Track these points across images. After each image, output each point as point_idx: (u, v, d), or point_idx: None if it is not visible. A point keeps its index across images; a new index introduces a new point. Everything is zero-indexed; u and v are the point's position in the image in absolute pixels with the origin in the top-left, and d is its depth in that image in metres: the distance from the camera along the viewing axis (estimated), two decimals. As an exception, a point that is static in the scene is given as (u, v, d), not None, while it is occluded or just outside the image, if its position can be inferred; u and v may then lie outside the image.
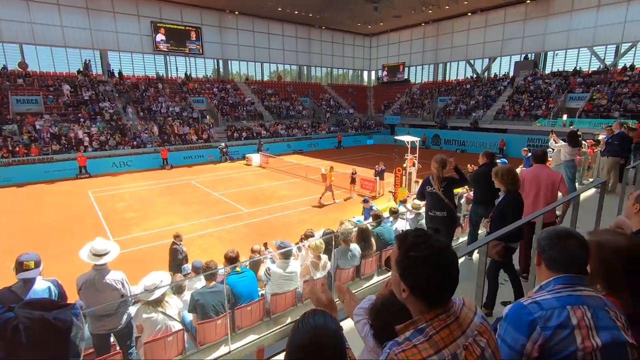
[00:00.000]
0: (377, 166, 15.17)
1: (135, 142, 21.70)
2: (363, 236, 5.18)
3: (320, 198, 13.72)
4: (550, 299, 1.27)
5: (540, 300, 1.28)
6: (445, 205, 4.37)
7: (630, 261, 1.43)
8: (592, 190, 7.03)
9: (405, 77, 40.35)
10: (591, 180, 8.84)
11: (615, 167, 7.30)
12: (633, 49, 25.43)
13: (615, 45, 26.05)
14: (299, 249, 4.97)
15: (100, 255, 3.30)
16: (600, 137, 10.80)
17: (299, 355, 1.00)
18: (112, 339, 3.58)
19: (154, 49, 28.63)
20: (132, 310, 3.63)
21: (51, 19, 24.39)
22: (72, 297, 4.00)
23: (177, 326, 3.51)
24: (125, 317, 3.48)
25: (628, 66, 24.66)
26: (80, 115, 21.88)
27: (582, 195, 6.45)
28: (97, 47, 26.58)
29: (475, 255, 4.80)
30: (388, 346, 1.03)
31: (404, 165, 14.25)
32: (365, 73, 45.69)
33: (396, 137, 17.37)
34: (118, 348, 3.52)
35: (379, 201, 13.68)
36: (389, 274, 1.19)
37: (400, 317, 1.12)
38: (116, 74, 26.75)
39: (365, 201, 9.95)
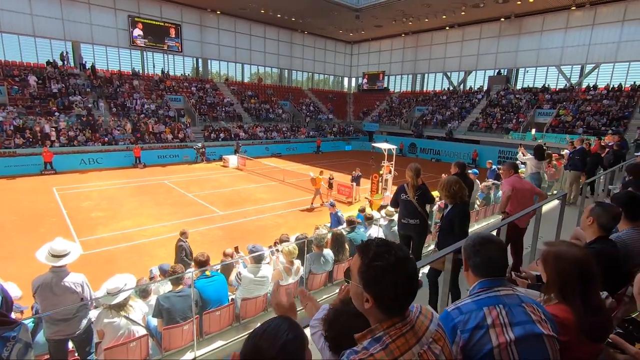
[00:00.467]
0: (354, 172, 15.32)
1: (106, 139, 20.89)
2: (338, 241, 5.20)
3: (312, 202, 13.92)
4: (470, 302, 1.35)
5: (461, 305, 1.36)
6: (418, 213, 4.42)
7: (584, 272, 1.50)
8: (555, 202, 7.39)
9: (385, 85, 41.11)
10: (555, 192, 9.30)
11: (577, 180, 7.71)
12: (596, 70, 27.09)
13: (580, 66, 27.66)
14: (272, 253, 4.93)
15: (58, 257, 3.13)
16: (564, 152, 11.40)
17: None
18: (70, 345, 3.40)
19: (131, 44, 27.76)
20: (93, 314, 3.46)
21: (20, 6, 23.14)
22: (28, 300, 3.79)
23: (141, 331, 3.38)
24: (84, 322, 3.32)
25: (591, 86, 26.23)
26: (48, 108, 20.87)
27: (545, 207, 6.76)
28: (69, 38, 25.47)
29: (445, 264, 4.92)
30: (346, 355, 1.04)
31: (381, 172, 14.45)
32: (346, 79, 46.21)
33: (374, 144, 17.62)
34: (76, 355, 3.35)
35: (355, 207, 13.79)
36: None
37: (352, 325, 1.13)
38: (89, 67, 25.71)
39: (331, 205, 9.61)
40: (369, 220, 6.57)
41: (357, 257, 1.11)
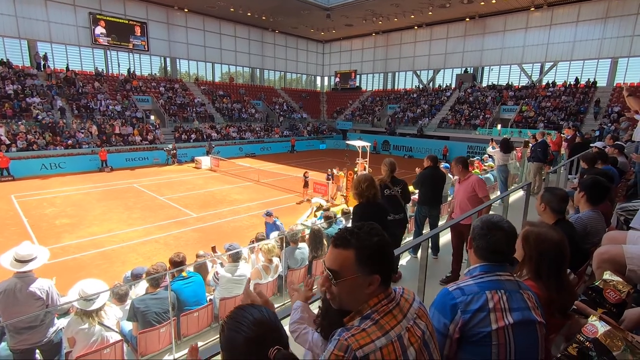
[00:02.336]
0: (329, 170, 15.42)
1: (69, 142, 19.85)
2: (316, 237, 5.21)
3: (333, 198, 14.64)
4: (472, 284, 1.39)
5: (463, 286, 1.40)
6: (402, 208, 4.48)
7: (560, 254, 1.62)
8: (521, 192, 7.78)
9: (357, 84, 41.58)
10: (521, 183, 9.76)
11: (539, 171, 8.16)
12: (554, 68, 28.69)
13: (540, 64, 29.20)
14: (252, 250, 4.87)
15: (23, 262, 2.95)
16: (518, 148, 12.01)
17: (243, 350, 0.96)
18: (37, 356, 3.22)
19: (93, 43, 26.48)
20: (63, 322, 3.30)
21: (-33, 2, 21.60)
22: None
23: (115, 337, 3.25)
24: (51, 329, 3.15)
25: (550, 83, 27.76)
26: (2, 111, 19.55)
27: (512, 197, 7.08)
28: (24, 36, 23.98)
29: (420, 253, 5.06)
30: (337, 333, 1.05)
31: (356, 169, 14.64)
32: (319, 79, 46.32)
33: (348, 142, 17.82)
34: (45, 365, 3.18)
35: (335, 208, 13.89)
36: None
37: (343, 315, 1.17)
38: (48, 67, 24.30)
39: (267, 215, 8.02)
40: (328, 219, 6.34)
41: (344, 250, 1.10)
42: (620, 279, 1.30)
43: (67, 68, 25.46)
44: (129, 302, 4.07)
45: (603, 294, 1.32)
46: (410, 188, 6.39)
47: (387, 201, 4.35)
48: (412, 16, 30.27)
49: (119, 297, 3.88)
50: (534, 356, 1.32)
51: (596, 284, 1.35)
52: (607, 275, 1.34)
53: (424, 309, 1.20)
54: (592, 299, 1.34)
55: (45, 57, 24.73)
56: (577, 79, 26.62)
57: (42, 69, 24.05)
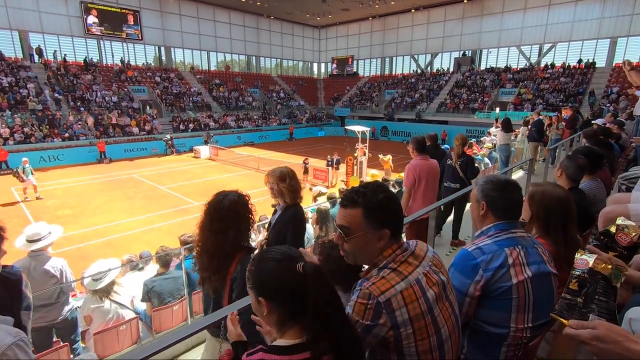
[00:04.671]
0: (329, 156, 15.42)
1: (67, 134, 19.74)
2: (323, 217, 5.29)
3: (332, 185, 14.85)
4: (491, 243, 1.43)
5: (482, 245, 1.44)
6: (459, 178, 4.75)
7: (565, 209, 1.68)
8: (521, 172, 7.85)
9: (354, 70, 41.17)
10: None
11: (535, 150, 8.25)
12: (553, 49, 28.45)
13: (538, 45, 28.93)
14: (258, 230, 4.94)
15: (33, 241, 3.00)
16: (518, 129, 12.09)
17: (276, 272, 0.97)
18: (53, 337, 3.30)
19: (86, 32, 26.03)
20: (77, 302, 3.37)
21: (-45, -7, 21.11)
22: None
23: (131, 314, 3.34)
24: (66, 308, 3.22)
25: (549, 64, 27.56)
26: (-3, 103, 19.38)
27: (514, 175, 7.15)
28: (16, 27, 23.53)
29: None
30: (358, 284, 1.12)
31: (355, 154, 14.65)
32: (315, 65, 45.82)
33: (347, 127, 17.77)
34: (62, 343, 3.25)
35: (333, 190, 13.95)
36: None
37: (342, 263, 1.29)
38: (40, 58, 23.94)
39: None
40: (332, 199, 6.11)
41: (352, 209, 1.15)
42: (633, 224, 1.37)
43: (64, 59, 25.09)
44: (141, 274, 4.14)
45: (615, 238, 1.38)
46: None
47: (447, 169, 4.85)
48: (409, -1, 29.83)
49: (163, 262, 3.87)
50: (549, 306, 1.38)
51: (609, 228, 1.41)
52: (620, 221, 1.40)
53: (438, 258, 1.25)
54: (604, 243, 1.40)
55: (39, 50, 24.33)
56: (580, 60, 26.32)
57: (39, 60, 23.66)
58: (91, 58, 26.76)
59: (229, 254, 1.82)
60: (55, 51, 25.10)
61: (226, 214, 1.82)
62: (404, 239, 1.26)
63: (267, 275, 0.97)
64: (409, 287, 1.09)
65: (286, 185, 2.46)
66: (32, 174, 12.75)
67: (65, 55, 25.56)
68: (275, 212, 2.67)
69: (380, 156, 15.24)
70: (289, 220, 2.48)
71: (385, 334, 1.07)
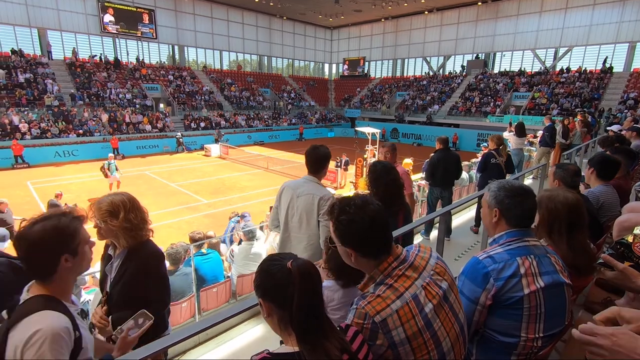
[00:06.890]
0: (339, 158, 15.41)
1: (81, 130, 20.14)
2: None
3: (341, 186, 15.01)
4: (502, 252, 1.41)
5: (493, 254, 1.41)
6: (504, 175, 5.08)
7: (571, 213, 1.63)
8: (531, 180, 7.73)
9: (366, 71, 41.08)
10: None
11: (545, 155, 8.12)
12: (569, 53, 27.94)
13: (554, 49, 28.45)
14: (262, 228, 4.97)
15: None
16: (539, 132, 11.90)
17: None
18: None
19: (102, 31, 26.55)
20: (90, 295, 3.43)
21: (-22, -9, 21.74)
22: None
23: (140, 309, 3.38)
24: (79, 301, 3.28)
25: (564, 69, 27.07)
26: (15, 99, 19.85)
27: (525, 181, 7.04)
28: (35, 25, 24.11)
29: (433, 234, 5.13)
30: (355, 302, 1.12)
31: (365, 156, 14.60)
32: (327, 66, 45.85)
33: (357, 128, 17.74)
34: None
35: (342, 191, 13.93)
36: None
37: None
38: (58, 56, 24.49)
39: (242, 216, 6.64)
40: None
41: (329, 220, 1.20)
42: None
43: (83, 57, 25.62)
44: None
45: (632, 248, 1.35)
46: (420, 175, 6.41)
47: (493, 168, 5.19)
48: (423, 0, 29.62)
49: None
50: (562, 316, 1.37)
51: (626, 238, 1.39)
52: (637, 230, 1.38)
53: (442, 264, 1.22)
54: (620, 253, 1.38)
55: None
56: (605, 60, 25.56)
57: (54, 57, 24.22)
58: (114, 56, 27.25)
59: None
60: (73, 48, 25.64)
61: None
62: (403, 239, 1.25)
63: (264, 276, 1.01)
64: (405, 305, 1.08)
65: (119, 221, 1.72)
66: (116, 170, 12.69)
67: (79, 52, 26.06)
68: (108, 258, 1.89)
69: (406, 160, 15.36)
70: (142, 269, 1.77)
71: (384, 352, 1.06)
